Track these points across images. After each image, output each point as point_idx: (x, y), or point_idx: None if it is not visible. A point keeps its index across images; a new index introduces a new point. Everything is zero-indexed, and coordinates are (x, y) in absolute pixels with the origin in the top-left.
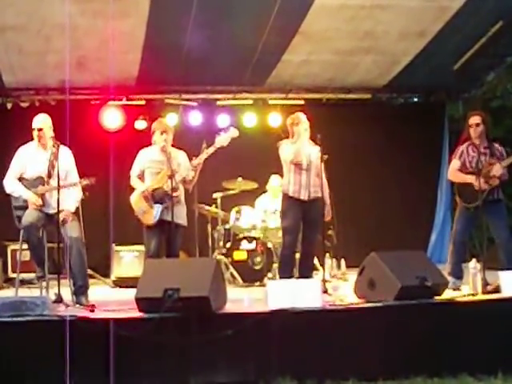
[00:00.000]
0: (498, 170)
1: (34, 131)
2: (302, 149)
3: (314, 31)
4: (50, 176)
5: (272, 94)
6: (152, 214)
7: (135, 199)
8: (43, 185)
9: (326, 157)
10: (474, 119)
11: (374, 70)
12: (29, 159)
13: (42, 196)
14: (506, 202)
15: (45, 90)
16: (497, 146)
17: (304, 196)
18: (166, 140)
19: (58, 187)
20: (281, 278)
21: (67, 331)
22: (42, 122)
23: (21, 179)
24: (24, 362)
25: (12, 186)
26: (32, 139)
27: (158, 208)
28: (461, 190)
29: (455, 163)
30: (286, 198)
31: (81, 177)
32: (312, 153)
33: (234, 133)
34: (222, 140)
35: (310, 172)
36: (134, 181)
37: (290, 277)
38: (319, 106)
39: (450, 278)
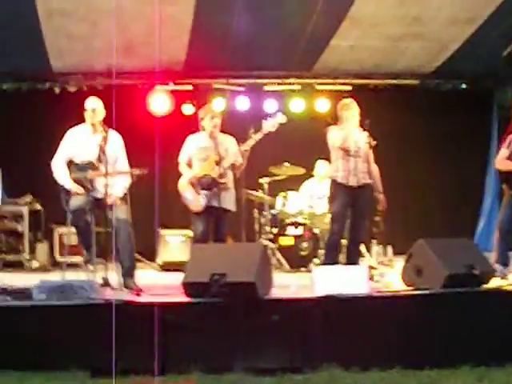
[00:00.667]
0: None
1: (88, 112)
2: (350, 134)
3: (362, 16)
4: (100, 161)
5: (319, 79)
6: (199, 201)
7: (183, 186)
8: (93, 170)
9: (374, 143)
10: None
11: (422, 56)
12: (79, 142)
13: (91, 181)
14: None
15: (92, 75)
16: None
17: (353, 182)
18: (215, 125)
19: (106, 173)
20: (327, 264)
21: (113, 314)
22: (96, 103)
23: (71, 163)
24: (71, 345)
25: (57, 171)
26: (80, 123)
27: (205, 194)
28: (508, 178)
29: (504, 152)
30: (335, 184)
31: (130, 163)
32: (360, 139)
33: (281, 118)
34: (269, 126)
35: (358, 158)
36: (183, 167)
37: (335, 263)
38: (367, 91)
39: (496, 266)
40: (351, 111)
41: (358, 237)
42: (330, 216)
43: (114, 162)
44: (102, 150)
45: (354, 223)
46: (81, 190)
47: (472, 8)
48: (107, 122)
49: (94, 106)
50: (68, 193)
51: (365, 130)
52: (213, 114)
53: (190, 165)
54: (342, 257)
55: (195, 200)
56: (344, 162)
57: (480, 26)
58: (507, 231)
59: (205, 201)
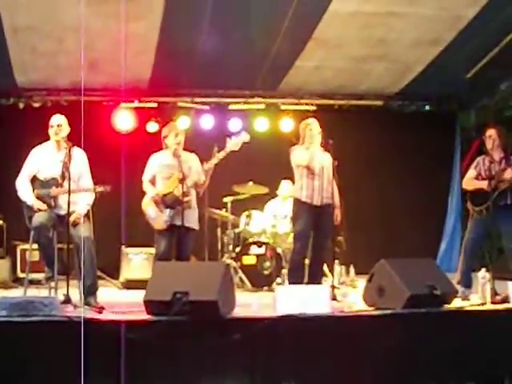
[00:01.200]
0: (509, 172)
1: (53, 128)
2: (314, 154)
3: (327, 37)
4: (63, 178)
5: (284, 99)
6: (162, 219)
7: (146, 203)
8: (57, 186)
9: (335, 162)
10: (489, 132)
11: (387, 78)
12: (43, 160)
13: (54, 197)
14: None
15: (57, 91)
16: None
17: (317, 201)
18: (178, 143)
19: (69, 191)
20: (290, 283)
21: (82, 332)
22: (61, 119)
23: (34, 180)
24: (31, 362)
25: (20, 189)
26: (45, 140)
27: (168, 213)
28: (472, 196)
29: (471, 173)
30: (298, 203)
31: (94, 180)
32: (324, 159)
33: (245, 137)
34: (233, 144)
35: (322, 177)
36: (146, 185)
37: (300, 282)
38: (331, 112)
39: (459, 287)
40: (313, 131)
41: (320, 256)
42: (292, 235)
43: (77, 178)
44: (66, 167)
45: (316, 243)
46: (43, 206)
47: (436, 31)
48: (71, 139)
49: (59, 123)
50: (31, 209)
51: (328, 149)
52: (176, 131)
53: (153, 183)
54: (305, 276)
55: (158, 218)
56: (308, 181)
57: (444, 49)
58: (472, 251)
59: (168, 219)
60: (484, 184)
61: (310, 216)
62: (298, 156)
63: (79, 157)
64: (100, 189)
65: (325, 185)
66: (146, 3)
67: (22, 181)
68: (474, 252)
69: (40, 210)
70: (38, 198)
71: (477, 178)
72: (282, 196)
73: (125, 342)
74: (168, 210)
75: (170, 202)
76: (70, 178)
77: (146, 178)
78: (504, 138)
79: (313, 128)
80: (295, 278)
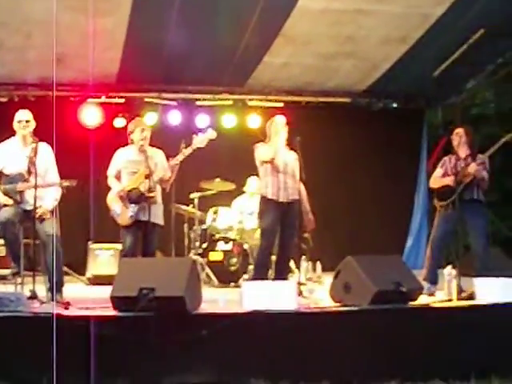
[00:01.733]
0: (472, 167)
1: (21, 123)
2: (278, 151)
3: (295, 34)
4: (29, 173)
5: (252, 95)
6: (127, 215)
7: (111, 199)
8: (23, 181)
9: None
10: (457, 130)
11: (354, 75)
12: (9, 155)
13: (21, 192)
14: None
15: (24, 86)
16: (481, 156)
17: (283, 198)
18: (144, 139)
19: (36, 186)
20: (255, 279)
21: (54, 327)
22: (27, 115)
23: (0, 174)
24: None
25: None
26: (11, 135)
27: (133, 208)
28: (438, 192)
29: (438, 171)
30: (265, 200)
31: (61, 175)
32: (288, 156)
33: (211, 134)
34: (199, 141)
35: (286, 174)
36: (111, 180)
37: (265, 279)
38: (299, 108)
39: (424, 283)
40: (279, 128)
41: (287, 252)
42: (259, 232)
43: (43, 174)
44: (32, 162)
45: (283, 239)
46: (9, 201)
47: (404, 28)
48: (37, 134)
49: (25, 118)
50: None
51: (295, 147)
52: (142, 127)
53: (118, 178)
54: (271, 272)
55: (123, 213)
56: (273, 179)
57: (412, 47)
58: (438, 248)
59: (133, 214)
60: (450, 180)
61: (277, 213)
62: (262, 152)
63: (45, 152)
64: (66, 183)
65: (290, 181)
66: None
67: None
68: (441, 249)
69: (6, 206)
70: (4, 193)
71: (443, 176)
72: (249, 192)
73: (93, 337)
74: (133, 206)
75: (135, 198)
76: (36, 173)
77: (111, 172)
78: (471, 136)
79: (278, 125)
80: (260, 274)
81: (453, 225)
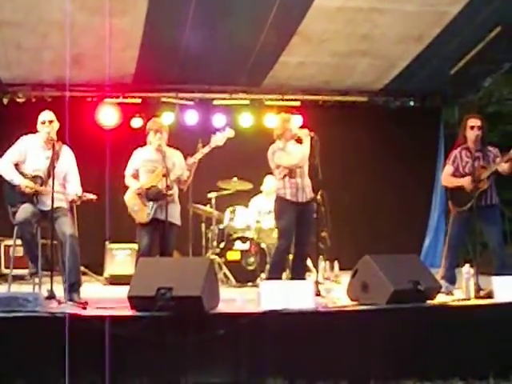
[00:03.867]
0: (486, 172)
1: (45, 124)
2: (293, 152)
3: (311, 33)
4: (49, 175)
5: (268, 94)
6: (145, 212)
7: (129, 197)
8: (41, 184)
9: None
10: (474, 121)
11: (371, 74)
12: (31, 151)
13: (38, 194)
14: (502, 208)
15: (41, 86)
16: (491, 148)
17: (302, 198)
18: (161, 139)
19: (53, 191)
20: (271, 278)
21: (66, 328)
22: (52, 115)
23: (20, 173)
24: (15, 358)
25: (5, 167)
26: (28, 134)
27: (151, 206)
28: (453, 195)
29: (448, 168)
30: (283, 201)
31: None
32: (298, 150)
33: (229, 133)
34: (217, 140)
35: (303, 173)
36: (129, 179)
37: (280, 278)
38: (315, 107)
39: (443, 282)
40: (292, 125)
41: (304, 252)
42: (277, 231)
43: (62, 177)
44: (53, 165)
45: (300, 238)
46: (31, 184)
47: (420, 27)
48: (57, 134)
49: (51, 119)
50: (15, 204)
51: (312, 145)
52: (157, 127)
53: (136, 177)
54: (288, 272)
55: (141, 211)
56: (291, 180)
57: (428, 45)
58: (455, 247)
59: (151, 212)
60: (463, 182)
61: (294, 213)
62: (279, 158)
63: (67, 156)
64: (86, 197)
65: (306, 181)
66: None
67: (6, 162)
68: (458, 247)
69: (27, 199)
70: (22, 193)
71: (454, 173)
72: (267, 192)
73: (109, 337)
74: (151, 203)
75: (153, 195)
76: (53, 176)
77: (128, 172)
78: (485, 130)
79: (290, 123)
80: (276, 274)
81: (468, 224)
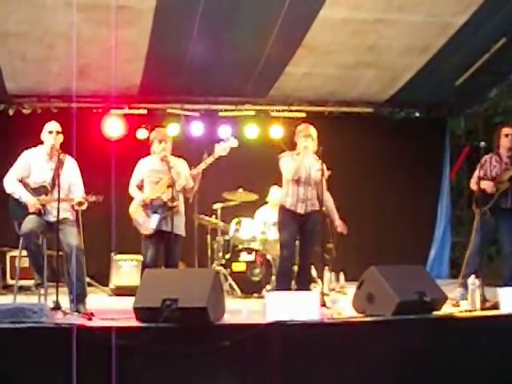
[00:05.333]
0: (507, 174)
1: (52, 133)
2: (302, 163)
3: (317, 44)
4: (53, 186)
5: (274, 105)
6: (150, 224)
7: (133, 208)
8: (46, 194)
9: (328, 172)
10: (508, 130)
11: (376, 85)
12: (34, 164)
13: (43, 205)
14: None
15: (47, 98)
16: None
17: (301, 210)
18: (165, 149)
19: (59, 200)
20: (277, 289)
21: (74, 338)
22: (58, 127)
23: (24, 185)
24: (21, 369)
25: (12, 185)
26: (34, 145)
27: (155, 217)
28: (477, 198)
29: (477, 172)
30: (283, 209)
31: (85, 188)
32: (313, 166)
33: (233, 143)
34: (220, 149)
35: (308, 185)
36: (133, 190)
37: (288, 289)
38: (321, 118)
39: (460, 290)
40: (307, 137)
41: (307, 262)
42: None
43: (67, 188)
44: (58, 176)
45: (302, 249)
46: (38, 205)
47: (426, 38)
48: (61, 146)
49: (56, 129)
50: (20, 216)
51: (318, 156)
52: (161, 137)
53: (141, 188)
54: (294, 283)
55: (146, 223)
56: (294, 189)
57: (433, 56)
58: (476, 255)
59: (156, 224)
60: (486, 184)
61: (295, 223)
62: (286, 167)
63: (71, 166)
64: (92, 198)
65: (310, 193)
66: (136, 10)
67: (12, 179)
68: (478, 255)
69: (34, 209)
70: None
71: (483, 178)
72: (272, 203)
73: (115, 348)
74: (156, 215)
75: (158, 207)
76: (59, 186)
77: (133, 182)
78: None
79: (306, 134)
80: (283, 285)
81: (491, 232)
